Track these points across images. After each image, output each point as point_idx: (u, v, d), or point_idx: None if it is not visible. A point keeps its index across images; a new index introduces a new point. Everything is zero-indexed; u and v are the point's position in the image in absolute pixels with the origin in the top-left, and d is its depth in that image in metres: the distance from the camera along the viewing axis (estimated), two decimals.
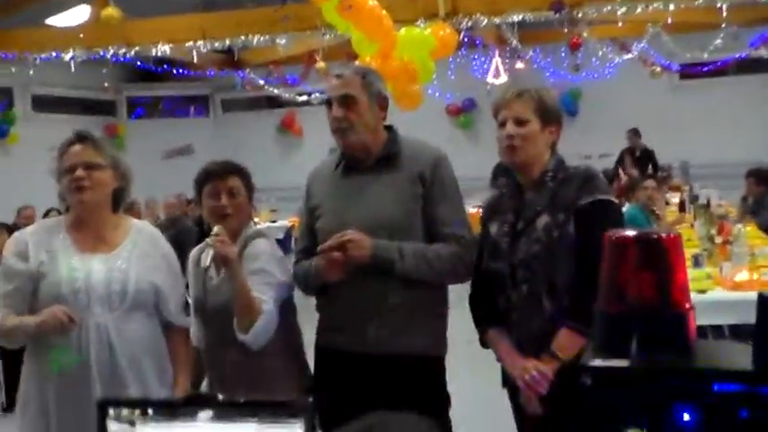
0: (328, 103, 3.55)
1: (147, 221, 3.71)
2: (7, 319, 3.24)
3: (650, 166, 14.54)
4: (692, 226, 8.80)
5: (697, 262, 6.73)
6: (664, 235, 1.84)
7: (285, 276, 3.60)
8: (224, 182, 3.62)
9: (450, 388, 3.65)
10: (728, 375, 1.68)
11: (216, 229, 3.36)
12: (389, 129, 3.66)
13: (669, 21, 11.12)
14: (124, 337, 3.27)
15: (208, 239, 3.38)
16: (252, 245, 3.61)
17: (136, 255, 3.38)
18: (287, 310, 3.60)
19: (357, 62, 7.51)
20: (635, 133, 15.85)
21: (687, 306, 1.83)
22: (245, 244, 3.61)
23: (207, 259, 3.41)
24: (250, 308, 3.35)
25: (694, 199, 11.00)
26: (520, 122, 3.32)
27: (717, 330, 6.48)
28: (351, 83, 3.53)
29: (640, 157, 15.39)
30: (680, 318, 1.81)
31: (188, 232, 10.15)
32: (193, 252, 3.81)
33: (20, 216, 10.98)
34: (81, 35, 11.22)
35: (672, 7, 9.80)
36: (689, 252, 7.04)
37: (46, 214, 8.93)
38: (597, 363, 1.79)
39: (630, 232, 1.90)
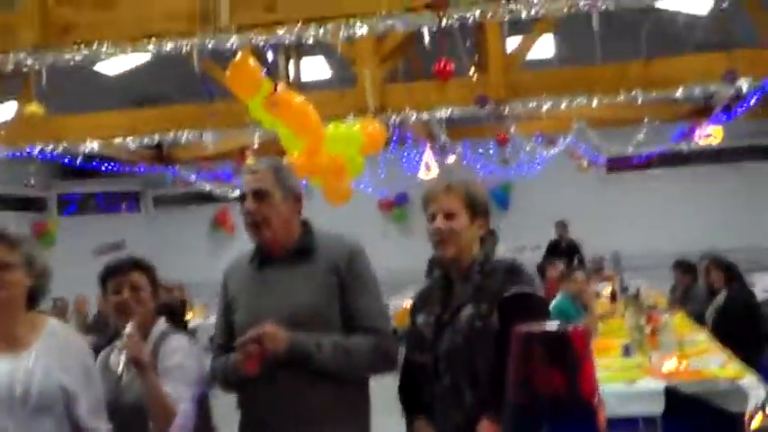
0: (242, 198, 3.54)
1: (58, 322, 3.58)
2: None
3: (576, 259, 14.70)
4: (622, 316, 8.87)
5: (627, 351, 6.79)
6: (570, 329, 1.83)
7: (202, 372, 3.55)
8: (127, 277, 3.58)
9: None
10: None
11: (128, 329, 3.30)
12: (304, 223, 3.65)
13: (593, 116, 11.36)
14: None
15: (117, 341, 3.31)
16: (167, 341, 3.55)
17: (45, 356, 3.24)
18: (203, 407, 3.54)
19: (285, 158, 7.52)
20: (562, 226, 16.11)
21: (595, 400, 1.81)
22: (159, 340, 3.54)
23: (118, 360, 3.32)
24: (165, 409, 3.28)
25: (624, 289, 11.11)
26: (449, 216, 3.33)
27: (649, 422, 6.46)
28: (264, 177, 3.54)
29: (567, 250, 15.60)
30: (588, 411, 1.79)
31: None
32: (102, 354, 3.73)
33: None
34: (2, 132, 11.07)
35: (595, 103, 10.02)
36: (619, 342, 7.10)
37: None
38: None
39: (536, 327, 1.89)
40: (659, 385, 5.89)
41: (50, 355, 3.26)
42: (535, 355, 1.83)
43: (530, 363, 1.84)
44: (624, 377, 5.97)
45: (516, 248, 15.15)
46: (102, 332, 9.26)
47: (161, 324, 3.70)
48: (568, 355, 1.82)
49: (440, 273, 3.52)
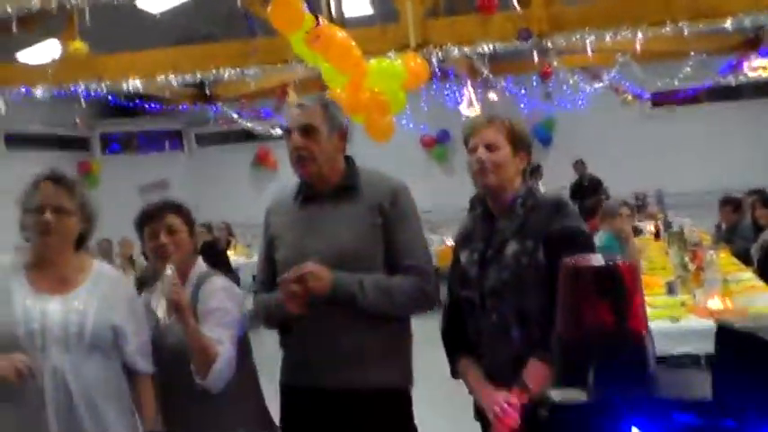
0: (288, 132, 3.52)
1: (104, 264, 3.63)
2: None
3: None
4: (667, 253, 8.80)
5: (671, 289, 6.72)
6: (619, 263, 1.80)
7: (242, 313, 3.56)
8: (162, 221, 3.60)
9: (424, 421, 3.61)
10: (687, 406, 1.64)
11: (168, 271, 3.31)
12: (348, 160, 3.64)
13: (638, 50, 11.16)
14: (81, 380, 3.19)
15: (158, 283, 3.34)
16: (207, 283, 3.57)
17: (95, 296, 3.31)
18: (242, 348, 3.56)
19: (327, 93, 7.49)
20: (581, 164, 15.99)
21: (644, 333, 1.79)
22: (198, 282, 3.57)
23: (158, 303, 3.35)
24: (206, 353, 3.31)
25: (668, 226, 11.01)
26: (491, 148, 3.30)
27: (695, 360, 6.43)
28: (312, 113, 3.51)
29: (588, 187, 15.49)
30: (637, 346, 1.77)
31: None
32: (143, 295, 3.76)
33: None
34: (50, 71, 11.14)
35: (640, 36, 9.85)
36: (663, 279, 7.04)
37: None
38: (554, 395, 1.75)
39: (586, 260, 1.87)
40: (704, 323, 5.85)
41: (100, 295, 3.33)
42: (583, 289, 1.81)
43: (578, 296, 1.83)
44: (668, 315, 5.91)
45: (561, 185, 15.11)
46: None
47: (200, 265, 3.71)
48: (617, 288, 1.80)
49: (482, 208, 3.47)
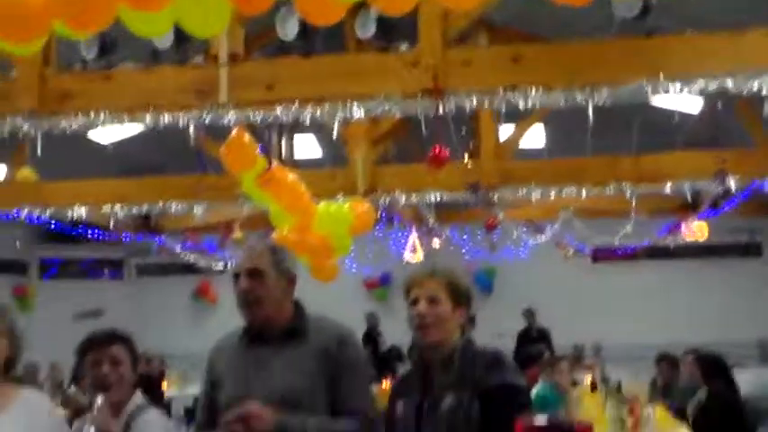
0: (236, 276, 3.53)
1: (32, 391, 3.56)
2: None
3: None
4: (603, 407, 8.80)
5: None
6: (576, 424, 1.82)
7: None
8: (107, 350, 3.55)
9: None
10: None
11: (99, 401, 3.26)
12: (296, 304, 3.64)
13: (581, 206, 11.45)
14: None
15: (88, 414, 3.28)
16: (142, 416, 3.51)
17: (20, 423, 3.22)
18: None
19: (273, 235, 7.52)
20: (530, 314, 16.14)
21: None
22: (133, 415, 3.50)
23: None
24: None
25: (605, 380, 11.04)
26: (432, 301, 3.32)
27: None
28: (260, 257, 3.54)
29: (535, 337, 15.58)
30: None
31: None
32: (76, 423, 3.69)
33: None
34: None
35: (584, 193, 10.09)
36: None
37: None
38: None
39: (541, 419, 1.88)
40: None
41: (24, 422, 3.24)
42: None
43: None
44: None
45: (497, 334, 15.13)
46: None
47: (137, 397, 3.66)
48: None
49: (418, 359, 3.48)
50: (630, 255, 16.94)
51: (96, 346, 3.60)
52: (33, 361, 11.88)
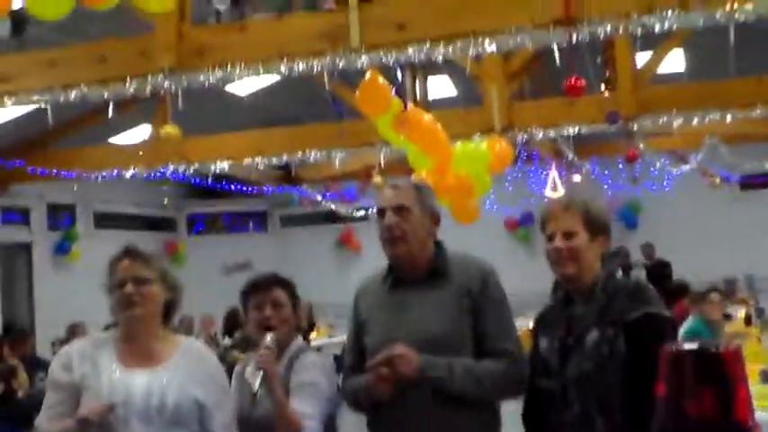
0: (381, 212, 3.53)
1: (192, 339, 3.68)
2: (51, 425, 3.23)
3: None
4: (758, 340, 8.56)
5: (765, 378, 6.50)
6: (723, 348, 1.74)
7: (334, 391, 3.55)
8: (269, 294, 3.63)
9: None
10: None
11: (267, 341, 3.34)
12: (437, 243, 3.62)
13: (726, 132, 11.07)
14: None
15: (256, 352, 3.36)
16: (302, 357, 3.58)
17: (181, 370, 3.33)
18: (329, 427, 3.54)
19: (413, 177, 7.53)
20: (650, 247, 15.71)
21: (750, 423, 1.72)
22: (294, 356, 3.58)
23: (254, 373, 3.37)
24: (290, 423, 3.30)
25: (760, 312, 10.73)
26: (568, 235, 3.26)
27: None
28: (406, 194, 3.54)
29: (652, 271, 15.20)
30: None
31: None
32: (239, 364, 3.79)
33: (71, 334, 11.01)
34: (141, 153, 11.45)
35: (729, 118, 9.74)
36: (757, 367, 6.82)
37: (106, 329, 8.94)
38: None
39: (688, 346, 1.81)
40: None
41: (185, 370, 3.34)
42: (686, 376, 1.76)
43: (680, 384, 1.77)
44: (764, 404, 5.71)
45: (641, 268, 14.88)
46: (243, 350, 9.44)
47: (298, 341, 3.73)
48: (721, 375, 1.74)
49: (561, 293, 3.43)
50: None
51: (258, 289, 3.69)
52: (187, 314, 12.31)
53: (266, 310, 3.61)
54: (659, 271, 15.00)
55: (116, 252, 3.41)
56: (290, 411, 3.33)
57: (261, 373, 3.29)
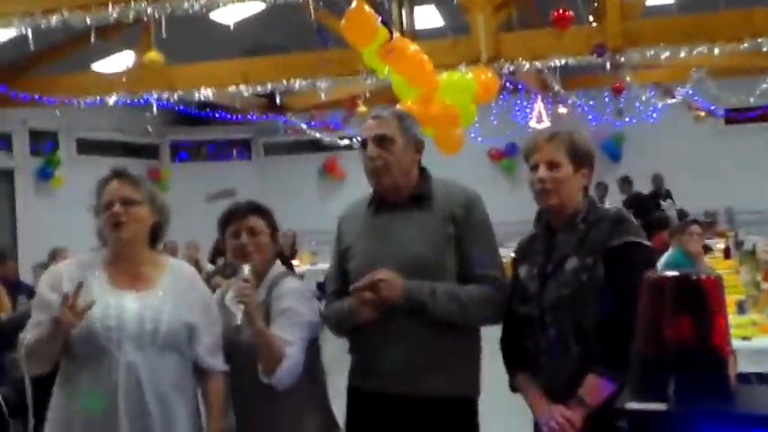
0: (363, 143, 3.54)
1: (179, 261, 3.69)
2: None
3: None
4: (737, 272, 8.66)
5: (741, 308, 6.61)
6: (703, 276, 1.78)
7: (313, 316, 3.58)
8: (245, 221, 3.65)
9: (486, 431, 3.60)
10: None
11: (246, 272, 3.36)
12: (422, 170, 3.64)
13: (713, 65, 11.05)
14: (154, 377, 3.21)
15: (235, 281, 3.39)
16: (281, 284, 3.60)
17: (171, 293, 3.34)
18: (312, 351, 3.58)
19: (398, 106, 7.53)
20: (658, 179, 15.78)
21: (727, 349, 1.77)
22: (274, 282, 3.61)
23: (234, 302, 3.40)
24: (273, 352, 3.34)
25: (739, 245, 10.82)
26: (552, 166, 3.28)
27: (763, 379, 6.34)
28: (388, 124, 3.53)
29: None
30: (720, 361, 1.75)
31: None
32: (218, 291, 3.82)
33: (53, 258, 11.01)
34: (124, 79, 11.37)
35: (717, 51, 9.72)
36: (734, 298, 6.93)
37: None
38: (634, 406, 1.74)
39: (669, 273, 1.85)
40: None
41: (175, 293, 3.36)
42: (667, 302, 1.80)
43: (659, 310, 1.81)
44: (738, 334, 5.81)
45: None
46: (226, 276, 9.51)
47: (278, 267, 3.75)
48: (700, 303, 1.78)
49: (543, 223, 3.46)
50: (766, 115, 16.36)
51: (235, 218, 3.70)
52: (171, 240, 12.35)
53: (242, 237, 3.62)
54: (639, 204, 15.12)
55: (105, 174, 3.40)
56: (271, 340, 3.37)
57: (241, 306, 3.32)
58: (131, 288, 3.31)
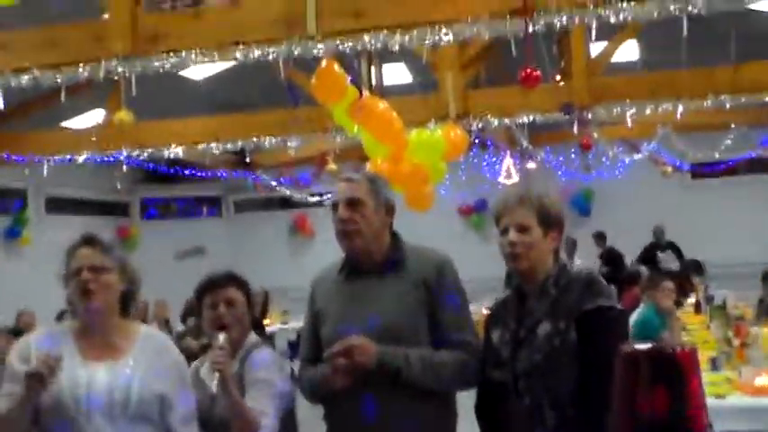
0: (334, 206, 3.54)
1: (150, 328, 3.66)
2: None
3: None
4: (707, 328, 8.68)
5: (714, 365, 6.60)
6: (678, 349, 1.77)
7: (287, 386, 3.55)
8: (223, 293, 3.63)
9: None
10: None
11: (221, 340, 3.34)
12: (393, 234, 3.64)
13: (678, 122, 11.19)
14: None
15: (210, 352, 3.36)
16: (256, 353, 3.58)
17: (142, 363, 3.29)
18: (288, 422, 3.54)
19: (368, 165, 7.54)
20: (660, 231, 15.83)
21: (704, 423, 1.75)
22: (247, 352, 3.58)
23: (210, 373, 3.36)
24: (247, 422, 3.31)
25: (710, 300, 10.86)
26: (522, 229, 3.28)
27: None
28: (359, 187, 3.54)
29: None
30: None
31: None
32: (194, 364, 3.79)
33: (19, 321, 10.86)
34: (94, 138, 11.32)
35: (681, 108, 9.85)
36: (706, 355, 6.93)
37: (59, 316, 8.85)
38: None
39: (643, 346, 1.83)
40: (752, 401, 5.76)
41: (147, 363, 3.30)
42: (641, 376, 1.78)
43: (635, 383, 1.79)
44: (712, 392, 5.81)
45: (595, 257, 15.03)
46: (196, 337, 9.41)
47: (252, 337, 3.74)
48: (676, 376, 1.76)
49: (514, 286, 3.45)
50: (731, 169, 16.56)
51: (212, 288, 3.69)
52: (142, 299, 12.23)
53: (220, 308, 3.61)
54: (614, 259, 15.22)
55: (75, 240, 3.36)
56: (246, 410, 3.34)
57: (217, 374, 3.29)
58: (101, 359, 3.26)
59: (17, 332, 8.09)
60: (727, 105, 9.77)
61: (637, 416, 1.77)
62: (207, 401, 3.42)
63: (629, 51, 13.68)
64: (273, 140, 11.24)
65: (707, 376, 6.36)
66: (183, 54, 6.58)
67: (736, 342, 7.23)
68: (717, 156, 14.89)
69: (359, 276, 3.57)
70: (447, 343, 3.44)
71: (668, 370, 1.75)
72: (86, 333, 3.32)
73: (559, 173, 15.65)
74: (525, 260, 3.27)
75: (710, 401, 5.52)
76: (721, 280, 12.97)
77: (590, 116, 10.29)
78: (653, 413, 1.74)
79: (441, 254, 3.63)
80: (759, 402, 5.74)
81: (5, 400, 3.19)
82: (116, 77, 7.23)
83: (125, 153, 11.46)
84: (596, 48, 10.90)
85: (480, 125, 10.55)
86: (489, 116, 10.31)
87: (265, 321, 13.89)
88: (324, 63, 6.78)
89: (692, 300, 11.44)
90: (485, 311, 3.61)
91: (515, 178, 13.94)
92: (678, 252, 15.49)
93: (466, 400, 3.62)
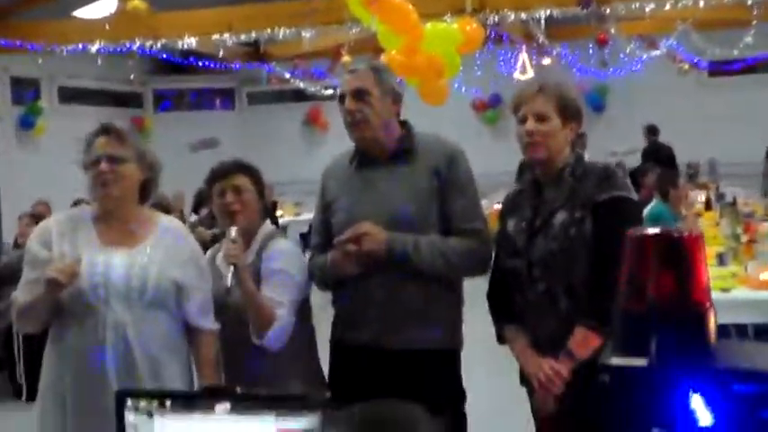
0: (341, 98, 3.56)
1: (170, 218, 3.68)
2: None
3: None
4: (717, 224, 8.74)
5: (722, 260, 6.68)
6: (685, 234, 1.81)
7: (304, 276, 3.61)
8: (230, 180, 3.65)
9: (469, 384, 3.65)
10: (749, 376, 1.66)
11: (233, 233, 3.38)
12: (404, 124, 3.66)
13: (698, 18, 11.04)
14: (142, 336, 3.22)
15: (224, 241, 3.41)
16: (270, 244, 3.62)
17: (160, 251, 3.32)
18: (303, 311, 3.61)
19: (382, 57, 7.50)
20: (653, 130, 15.67)
21: (707, 305, 1.81)
22: (263, 243, 3.62)
23: (224, 264, 3.42)
24: (263, 315, 3.37)
25: (720, 197, 10.91)
26: (540, 119, 3.28)
27: (741, 330, 6.44)
28: (364, 77, 3.55)
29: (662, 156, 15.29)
30: (700, 317, 1.79)
31: None
32: (210, 251, 3.84)
33: (34, 210, 10.94)
34: (107, 27, 11.26)
35: (701, 4, 9.72)
36: (714, 250, 6.99)
37: (74, 205, 8.94)
38: (616, 361, 1.78)
39: (651, 230, 1.88)
40: (755, 295, 5.84)
41: (164, 251, 3.34)
42: (649, 258, 1.83)
43: (643, 266, 1.84)
44: (718, 286, 5.88)
45: (610, 152, 14.97)
46: (209, 227, 9.53)
47: (267, 226, 3.77)
48: (682, 260, 1.81)
49: (530, 176, 3.48)
50: (750, 67, 16.37)
51: (221, 176, 3.70)
52: (160, 191, 12.30)
53: (227, 195, 3.63)
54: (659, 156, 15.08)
55: (93, 128, 3.36)
56: (261, 301, 3.39)
57: (231, 267, 3.33)
58: (120, 245, 3.30)
59: (40, 218, 8.21)
60: (749, 1, 9.62)
61: (645, 298, 1.82)
62: (222, 291, 3.47)
63: None
64: (288, 32, 11.16)
65: (713, 271, 6.44)
66: None
67: (745, 238, 7.29)
68: (735, 53, 14.70)
69: (369, 166, 3.60)
70: (457, 231, 3.50)
71: (675, 253, 1.79)
72: (105, 220, 3.35)
73: (575, 69, 15.51)
74: (543, 149, 3.28)
75: (715, 295, 5.62)
76: (732, 178, 12.97)
77: (608, 11, 10.17)
78: (660, 295, 1.79)
79: (452, 144, 3.66)
80: (763, 296, 5.83)
81: (26, 290, 3.26)
82: None
83: (138, 43, 11.42)
84: None
85: (496, 19, 10.46)
86: (506, 10, 10.20)
87: (278, 212, 13.99)
88: None
89: (702, 197, 11.50)
90: (496, 207, 3.63)
91: (531, 73, 13.82)
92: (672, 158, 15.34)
93: (476, 289, 3.69)
